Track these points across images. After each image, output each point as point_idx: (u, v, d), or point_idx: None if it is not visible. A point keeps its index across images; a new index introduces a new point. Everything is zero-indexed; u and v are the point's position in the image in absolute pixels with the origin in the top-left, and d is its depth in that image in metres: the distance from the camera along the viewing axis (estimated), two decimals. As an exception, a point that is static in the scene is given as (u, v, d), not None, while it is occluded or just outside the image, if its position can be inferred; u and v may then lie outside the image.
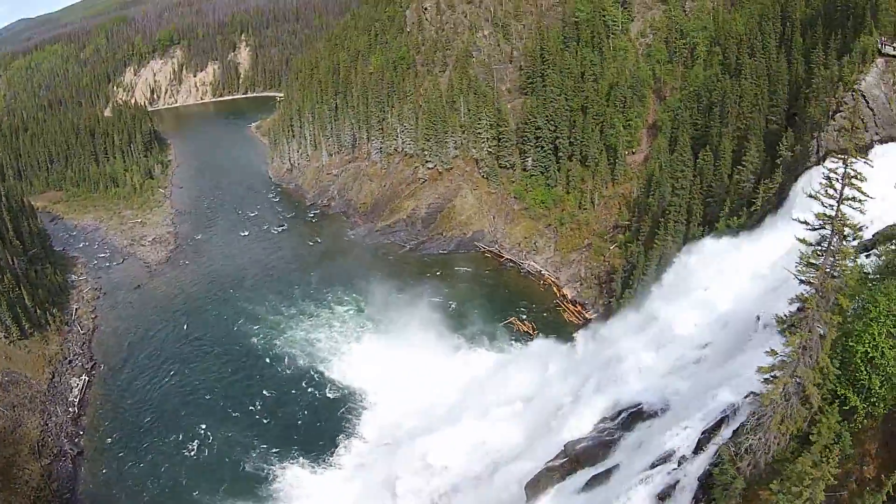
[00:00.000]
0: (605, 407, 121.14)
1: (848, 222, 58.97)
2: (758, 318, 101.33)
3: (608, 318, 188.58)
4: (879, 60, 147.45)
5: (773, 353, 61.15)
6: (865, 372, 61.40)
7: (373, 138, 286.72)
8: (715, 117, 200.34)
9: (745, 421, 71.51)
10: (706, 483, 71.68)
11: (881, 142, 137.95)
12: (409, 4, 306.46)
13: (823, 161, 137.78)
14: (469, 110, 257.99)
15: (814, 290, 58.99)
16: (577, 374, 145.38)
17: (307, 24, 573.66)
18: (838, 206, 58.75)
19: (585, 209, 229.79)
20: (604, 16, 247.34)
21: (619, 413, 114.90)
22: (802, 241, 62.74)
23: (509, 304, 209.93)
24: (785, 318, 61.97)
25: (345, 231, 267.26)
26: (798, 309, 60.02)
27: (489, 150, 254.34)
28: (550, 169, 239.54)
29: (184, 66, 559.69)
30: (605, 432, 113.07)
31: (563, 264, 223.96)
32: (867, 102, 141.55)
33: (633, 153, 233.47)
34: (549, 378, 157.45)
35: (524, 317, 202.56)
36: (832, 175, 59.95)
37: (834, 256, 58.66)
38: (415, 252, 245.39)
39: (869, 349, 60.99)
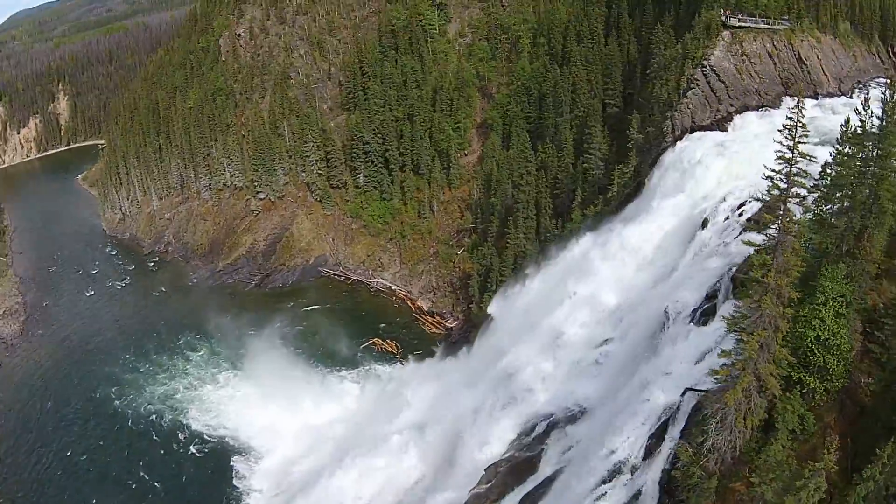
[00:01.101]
0: (516, 422, 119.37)
1: (795, 219, 61.68)
2: (666, 311, 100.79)
3: (470, 324, 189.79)
4: (725, 33, 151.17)
5: (726, 353, 62.98)
6: (819, 354, 63.70)
7: (200, 176, 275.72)
8: (548, 108, 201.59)
9: (693, 418, 73.06)
10: (668, 487, 71.41)
11: (737, 112, 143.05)
12: (223, 33, 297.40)
13: (680, 139, 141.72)
14: (293, 134, 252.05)
15: (766, 290, 59.99)
16: (473, 391, 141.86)
17: (121, 64, 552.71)
18: (785, 205, 60.46)
19: (425, 218, 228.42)
20: (420, 20, 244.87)
21: (534, 426, 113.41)
22: (748, 243, 67.81)
23: (367, 325, 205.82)
24: (734, 318, 63.84)
25: (187, 275, 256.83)
26: (752, 308, 60.99)
27: (319, 172, 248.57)
28: (384, 182, 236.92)
29: (7, 124, 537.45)
30: (525, 448, 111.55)
31: (413, 276, 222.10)
32: (718, 76, 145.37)
33: (466, 155, 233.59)
34: (440, 399, 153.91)
35: (385, 336, 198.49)
36: (776, 177, 61.75)
37: (783, 254, 60.34)
38: (261, 287, 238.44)
39: (821, 332, 63.17)
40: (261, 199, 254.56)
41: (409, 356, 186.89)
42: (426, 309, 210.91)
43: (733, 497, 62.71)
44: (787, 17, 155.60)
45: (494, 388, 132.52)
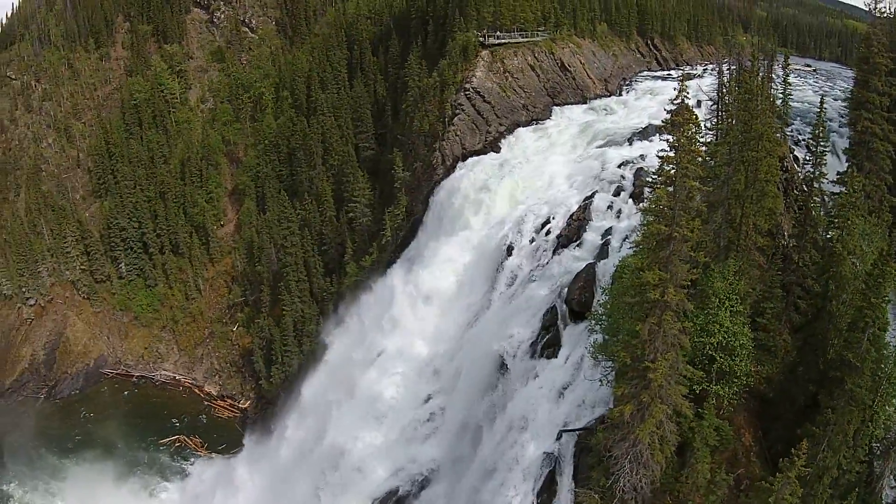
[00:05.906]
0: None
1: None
2: (501, 353, 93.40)
3: (264, 401, 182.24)
4: (484, 53, 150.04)
5: (622, 386, 57.25)
6: (721, 359, 59.45)
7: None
8: (300, 163, 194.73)
9: (582, 461, 67.01)
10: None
11: (508, 131, 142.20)
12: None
13: (454, 169, 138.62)
14: (51, 231, 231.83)
15: (666, 307, 53.87)
16: (294, 485, 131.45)
17: None
18: (675, 210, 53.75)
19: (194, 299, 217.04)
20: (162, 91, 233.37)
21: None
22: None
23: (162, 422, 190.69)
24: (605, 343, 64.43)
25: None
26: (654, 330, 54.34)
27: (82, 267, 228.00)
28: (146, 269, 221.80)
29: None
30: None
31: (193, 362, 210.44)
32: (483, 97, 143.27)
33: (223, 226, 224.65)
34: (271, 494, 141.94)
35: (185, 430, 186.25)
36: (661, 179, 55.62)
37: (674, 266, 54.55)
38: (51, 399, 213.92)
39: (722, 338, 58.90)
40: (31, 306, 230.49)
41: (218, 448, 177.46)
42: (216, 394, 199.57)
43: (658, 530, 57.87)
44: (544, 28, 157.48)
45: (324, 472, 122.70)
